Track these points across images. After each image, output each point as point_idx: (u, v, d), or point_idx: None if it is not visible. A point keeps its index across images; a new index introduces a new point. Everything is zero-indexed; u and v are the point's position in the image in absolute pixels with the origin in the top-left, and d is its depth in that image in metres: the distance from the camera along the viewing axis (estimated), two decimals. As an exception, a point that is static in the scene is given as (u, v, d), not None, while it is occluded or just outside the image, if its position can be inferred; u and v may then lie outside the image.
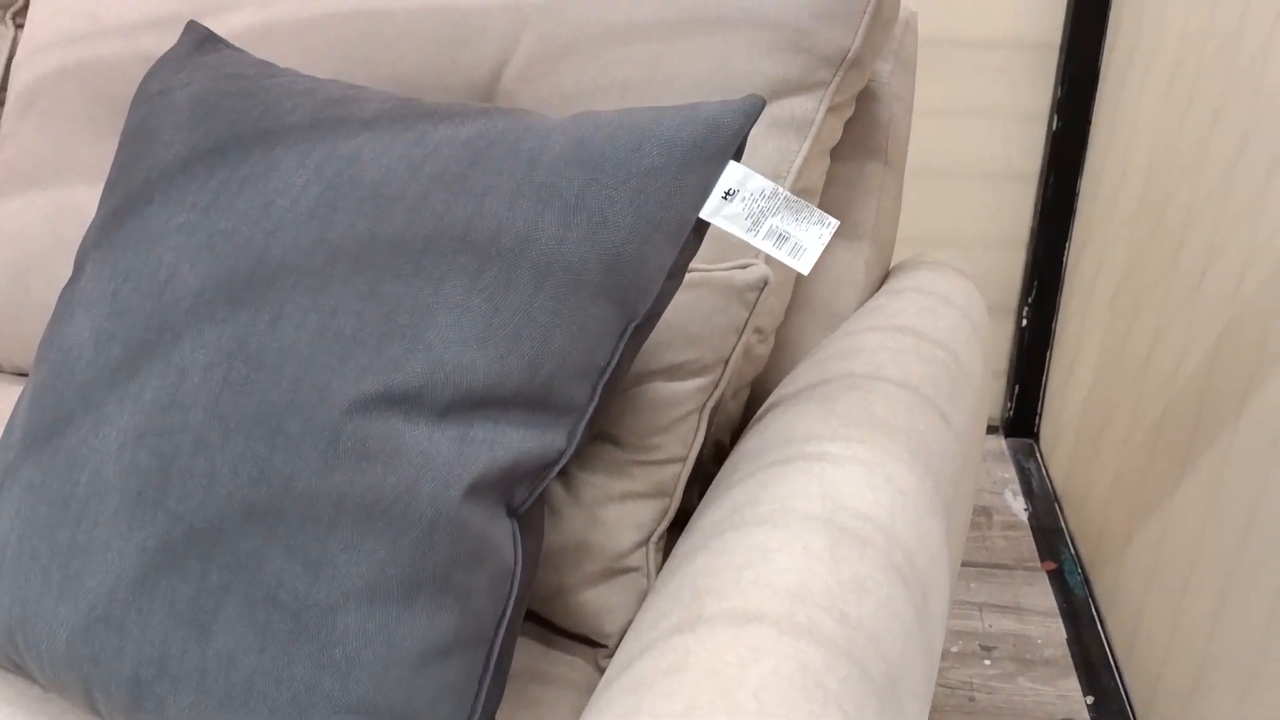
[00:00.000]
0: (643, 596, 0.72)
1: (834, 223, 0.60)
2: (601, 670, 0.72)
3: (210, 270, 0.60)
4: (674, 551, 0.69)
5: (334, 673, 0.53)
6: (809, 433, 0.68)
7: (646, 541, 0.72)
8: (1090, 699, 1.26)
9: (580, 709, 0.68)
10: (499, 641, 0.57)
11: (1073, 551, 1.50)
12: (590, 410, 0.59)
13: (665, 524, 0.73)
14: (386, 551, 0.54)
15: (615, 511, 0.72)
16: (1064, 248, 1.67)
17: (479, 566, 0.56)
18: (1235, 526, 1.00)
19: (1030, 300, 1.72)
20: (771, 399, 0.79)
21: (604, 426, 0.73)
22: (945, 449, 0.72)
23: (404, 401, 0.55)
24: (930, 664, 0.61)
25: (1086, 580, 1.43)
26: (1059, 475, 1.63)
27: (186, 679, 0.55)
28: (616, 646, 0.72)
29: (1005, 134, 1.67)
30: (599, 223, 0.57)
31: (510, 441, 0.56)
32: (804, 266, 0.61)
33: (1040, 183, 1.67)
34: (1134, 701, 1.23)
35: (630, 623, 0.72)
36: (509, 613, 0.58)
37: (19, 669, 0.64)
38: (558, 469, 0.59)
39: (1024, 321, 1.74)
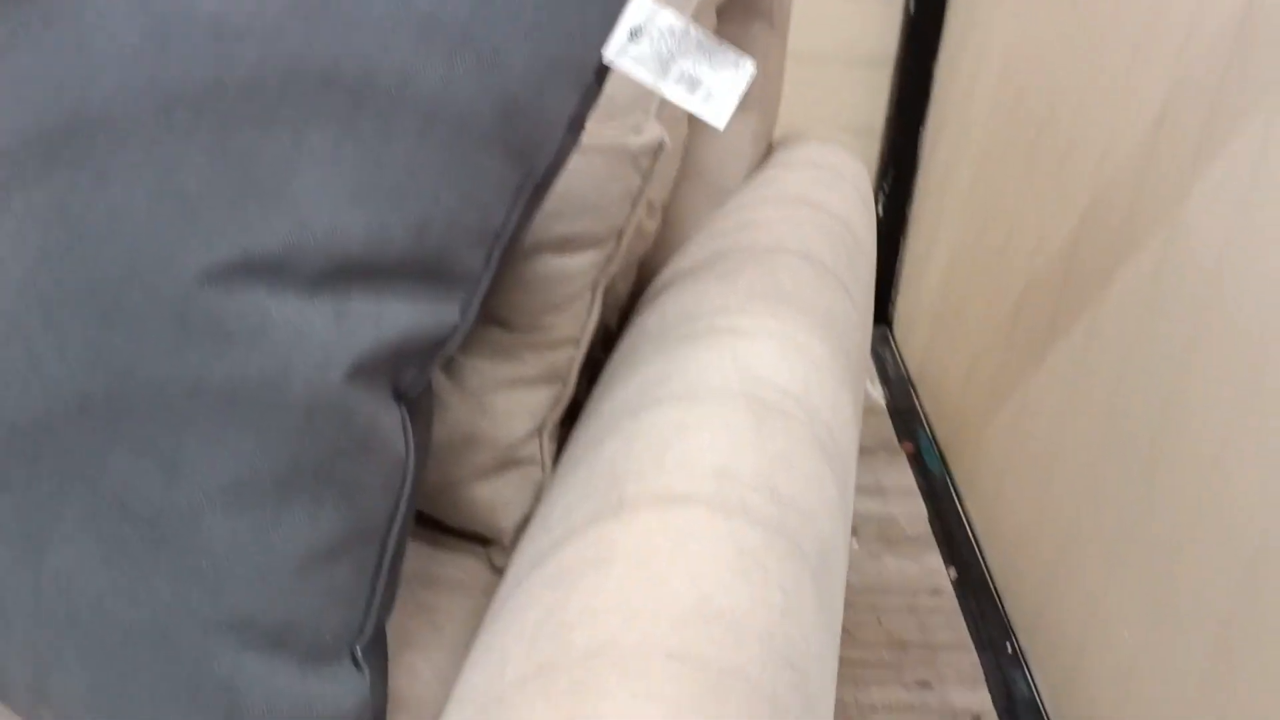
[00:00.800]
0: (538, 489, 0.66)
1: (750, 67, 0.54)
2: (497, 570, 0.66)
3: (15, 124, 0.50)
4: (573, 439, 0.64)
5: (201, 585, 0.45)
6: (715, 306, 0.63)
7: (540, 431, 0.67)
8: (953, 572, 1.30)
9: (476, 612, 0.63)
10: (391, 540, 0.51)
11: (929, 433, 1.53)
12: (485, 280, 0.52)
13: (559, 412, 0.67)
14: (256, 444, 0.46)
15: (505, 399, 0.65)
16: (919, 134, 1.67)
17: (366, 458, 0.49)
18: (1100, 401, 1.03)
19: (885, 188, 1.72)
20: (665, 276, 0.74)
21: (489, 307, 0.66)
22: (849, 321, 0.69)
23: (266, 270, 0.47)
24: (848, 538, 0.58)
25: (944, 460, 1.47)
26: (914, 361, 1.66)
27: (18, 605, 0.46)
28: (512, 544, 0.66)
29: (861, 17, 1.64)
30: (490, 62, 0.49)
31: (396, 316, 0.49)
32: (717, 117, 0.55)
33: (896, 68, 1.66)
34: (994, 572, 1.27)
35: (526, 518, 0.66)
36: (401, 508, 0.51)
37: None
38: (451, 347, 0.52)
39: (879, 209, 1.74)
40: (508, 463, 0.66)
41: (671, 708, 0.39)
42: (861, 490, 1.43)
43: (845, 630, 1.23)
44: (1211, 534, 0.82)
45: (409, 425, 0.52)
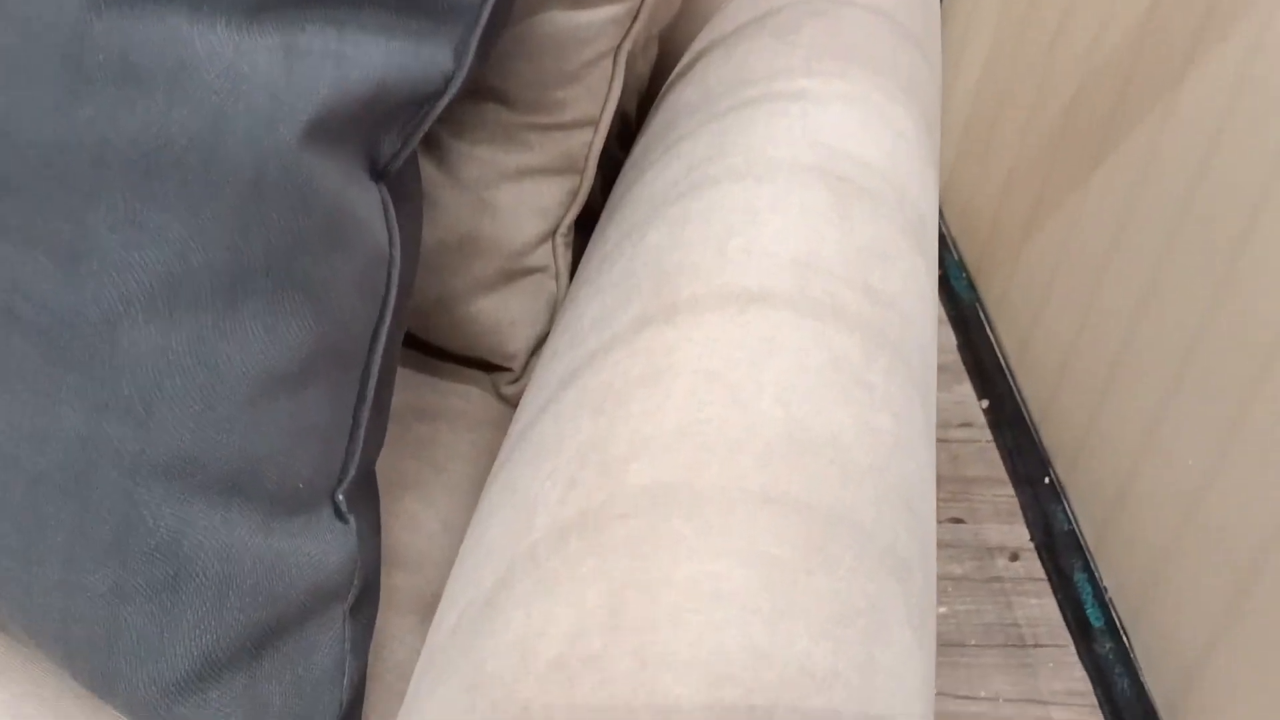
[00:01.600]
0: (553, 305, 0.55)
1: None
2: (506, 400, 0.56)
3: None
4: (595, 241, 0.52)
5: (123, 416, 0.34)
6: (773, 68, 0.50)
7: (553, 233, 0.54)
8: (985, 403, 1.21)
9: (484, 448, 0.52)
10: (377, 360, 0.40)
11: (957, 257, 1.42)
12: (486, 13, 0.39)
13: (575, 211, 0.55)
14: (185, 229, 0.34)
15: (510, 194, 0.53)
16: (952, -77, 1.49)
17: (337, 251, 0.37)
18: (1161, 223, 0.91)
19: (911, -12, 1.55)
20: (701, 42, 0.60)
21: (487, 79, 0.53)
22: (929, 87, 0.56)
23: (186, -9, 0.34)
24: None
25: (973, 286, 1.36)
26: (942, 175, 1.53)
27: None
28: (524, 370, 0.55)
29: None
30: None
31: (366, 56, 0.36)
32: None
33: None
34: (1030, 403, 1.18)
35: (539, 339, 0.55)
36: (388, 319, 0.40)
37: None
38: (444, 103, 0.39)
39: (903, 13, 1.57)
40: (515, 272, 0.54)
41: (769, 565, 0.29)
42: (886, 318, 1.33)
43: (871, 466, 1.15)
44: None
45: (392, 211, 0.40)
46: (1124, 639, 0.95)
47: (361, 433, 0.39)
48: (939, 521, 1.08)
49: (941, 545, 1.06)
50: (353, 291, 0.38)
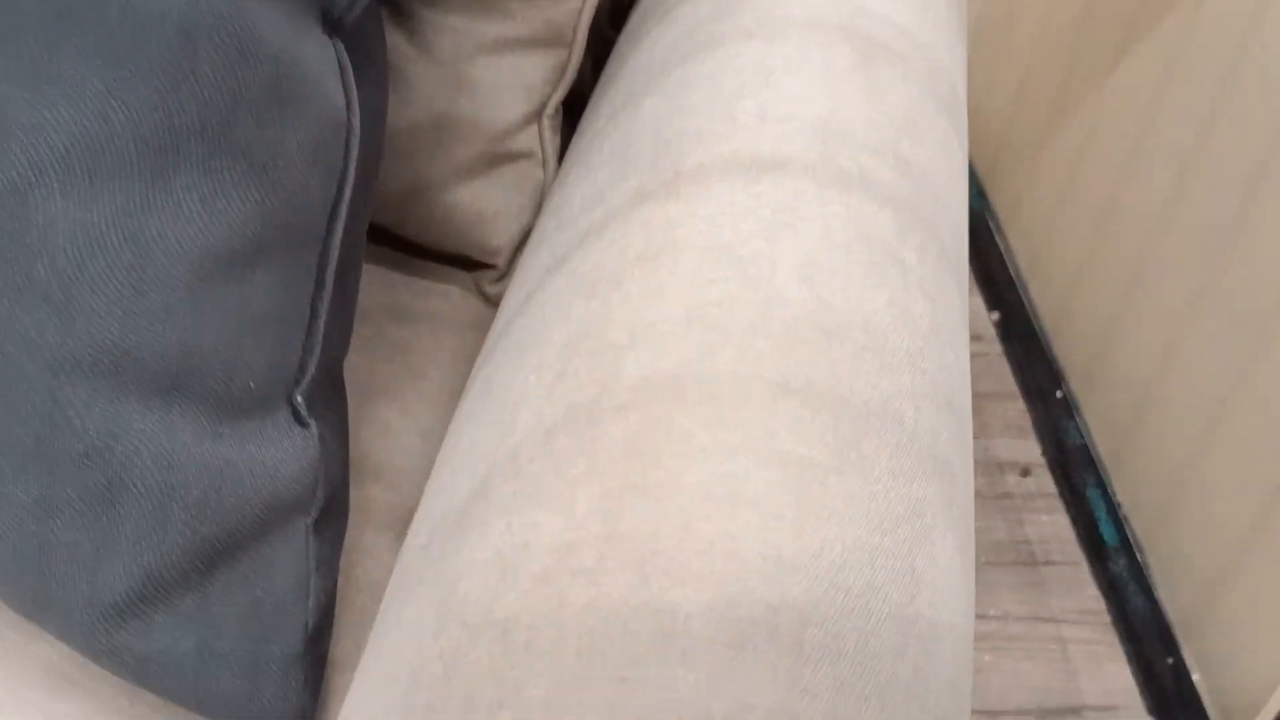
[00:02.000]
0: (539, 194, 0.50)
1: None
2: (490, 301, 0.51)
3: None
4: (589, 114, 0.46)
5: (40, 303, 0.29)
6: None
7: (539, 115, 0.49)
8: (995, 315, 1.16)
9: (466, 354, 0.48)
10: (336, 241, 0.35)
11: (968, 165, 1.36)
12: None
13: (563, 90, 0.50)
14: (104, 82, 0.29)
15: (489, 69, 0.48)
16: None
17: (285, 111, 0.32)
18: (1189, 122, 0.85)
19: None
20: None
21: (461, -64, 0.47)
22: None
23: None
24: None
25: (983, 194, 1.31)
26: (946, 87, 1.47)
27: None
28: (509, 266, 0.50)
29: None
30: None
31: (316, -119, 0.31)
32: None
33: None
34: (1042, 316, 1.14)
35: (525, 231, 0.50)
36: (347, 194, 0.35)
37: None
38: (407, -58, 0.34)
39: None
40: (498, 157, 0.49)
41: (794, 466, 0.24)
42: (892, 229, 1.27)
43: (877, 381, 1.11)
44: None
45: (350, 72, 0.35)
46: (1139, 556, 0.92)
47: (321, 325, 0.35)
48: (947, 438, 1.05)
49: (949, 462, 1.03)
50: (304, 163, 0.33)
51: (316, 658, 0.34)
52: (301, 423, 0.34)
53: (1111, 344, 1.00)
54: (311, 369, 0.35)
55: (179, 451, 0.31)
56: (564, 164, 0.46)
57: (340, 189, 0.34)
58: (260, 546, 0.33)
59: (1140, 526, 0.94)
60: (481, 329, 0.49)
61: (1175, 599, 0.89)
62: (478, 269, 0.51)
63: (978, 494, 1.00)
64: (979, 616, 0.92)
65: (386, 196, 0.49)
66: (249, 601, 0.33)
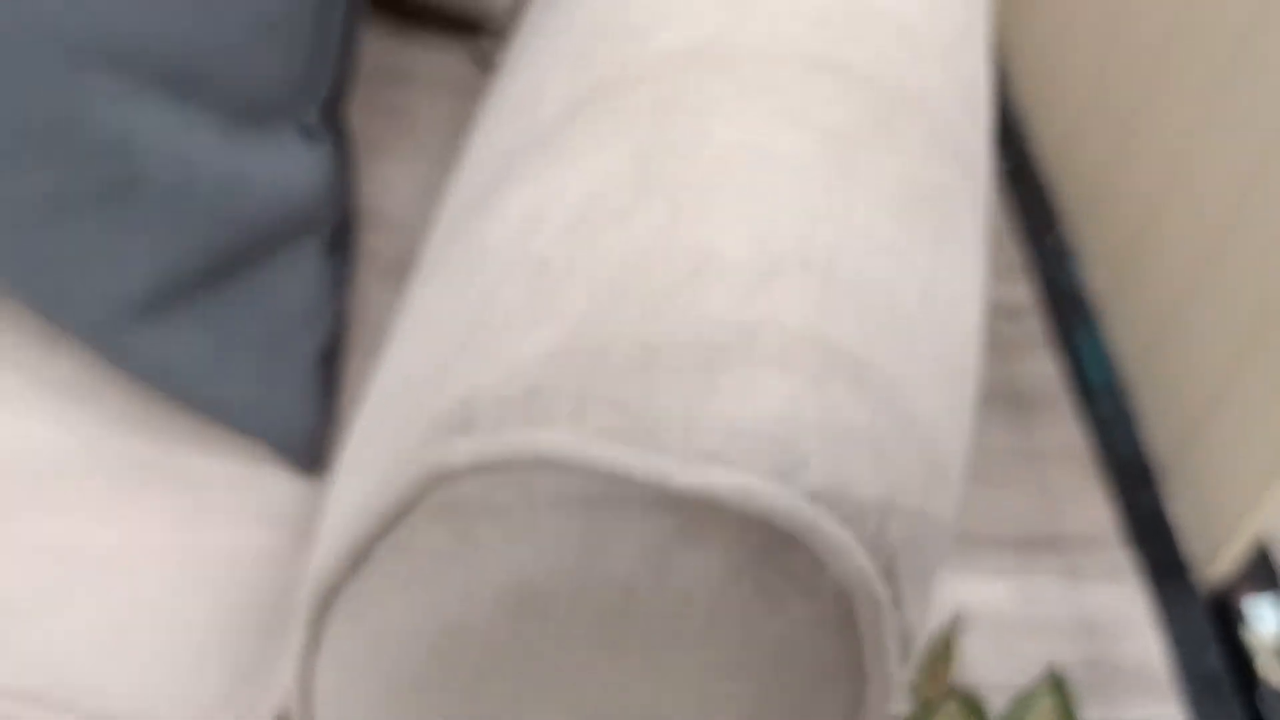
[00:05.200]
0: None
1: None
2: (487, 67, 0.49)
3: None
4: None
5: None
6: None
7: None
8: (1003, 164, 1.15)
9: (465, 119, 0.46)
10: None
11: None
12: None
13: None
14: None
15: None
16: None
17: None
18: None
19: None
20: None
21: None
22: None
23: None
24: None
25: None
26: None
27: None
28: (508, 31, 0.49)
29: None
30: None
31: None
32: None
33: None
34: (1042, 151, 1.13)
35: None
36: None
37: None
38: None
39: None
40: (502, -88, 0.47)
41: (827, 134, 0.23)
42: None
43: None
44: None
45: None
46: (1124, 398, 0.94)
47: (331, 49, 0.33)
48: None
49: (941, 303, 1.03)
50: None
51: (329, 377, 0.34)
52: (311, 142, 0.33)
53: (1109, 189, 1.00)
54: (322, 88, 0.33)
55: (195, 151, 0.30)
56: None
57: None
58: (274, 259, 0.33)
59: (1128, 369, 0.95)
60: (478, 95, 0.47)
61: (1159, 438, 0.90)
62: (476, 33, 0.49)
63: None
64: (963, 450, 0.93)
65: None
66: (264, 313, 0.32)
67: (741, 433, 0.19)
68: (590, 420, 0.19)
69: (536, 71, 0.29)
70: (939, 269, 0.23)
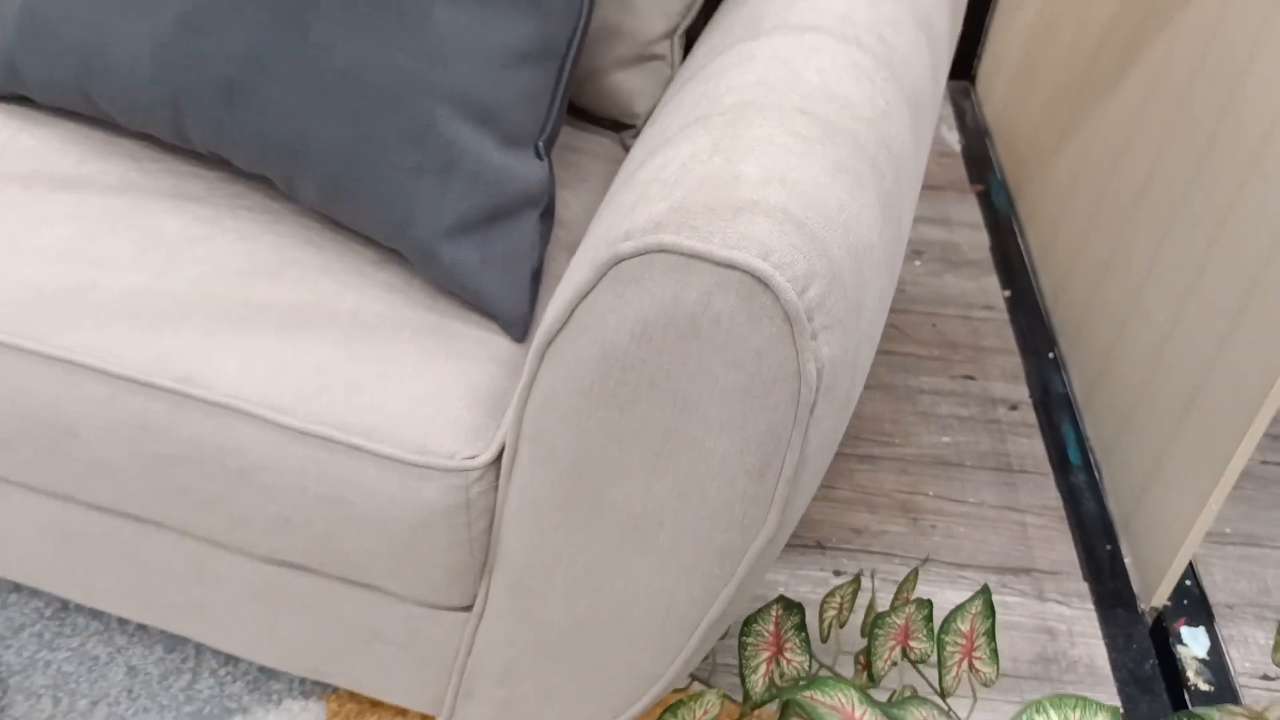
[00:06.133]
0: (666, 84, 0.78)
1: None
2: (628, 149, 0.79)
3: None
4: (701, 40, 0.74)
5: (431, 60, 0.58)
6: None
7: (673, 33, 0.77)
8: (1008, 292, 1.41)
9: (609, 174, 0.76)
10: (569, 62, 0.63)
11: (1000, 176, 1.62)
12: None
13: (690, 18, 0.78)
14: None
15: None
16: (1024, -113, 1.68)
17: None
18: (1156, 138, 1.11)
19: (983, -56, 1.74)
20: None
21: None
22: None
23: None
24: (935, 109, 0.69)
25: (1010, 200, 1.56)
26: (992, 112, 1.73)
27: (284, 71, 0.59)
28: (642, 127, 0.78)
29: None
30: None
31: None
32: None
33: None
34: (1045, 293, 1.38)
35: (654, 107, 0.78)
36: (577, 36, 0.63)
37: (89, 101, 0.67)
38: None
39: (974, -33, 1.77)
40: (643, 57, 0.77)
41: (800, 138, 0.51)
42: (928, 220, 1.53)
43: (900, 330, 1.37)
44: (1247, 211, 0.92)
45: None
46: (1095, 472, 1.16)
47: (556, 106, 0.63)
48: (952, 377, 1.30)
49: (952, 394, 1.27)
50: (560, 11, 0.61)
51: (535, 288, 0.62)
52: (539, 158, 0.62)
53: (1091, 313, 1.25)
54: (548, 130, 0.63)
55: (484, 156, 0.59)
56: (678, 74, 0.74)
57: (575, 30, 0.62)
58: (514, 219, 0.61)
59: (1098, 450, 1.18)
60: (619, 164, 0.77)
61: (1118, 503, 1.12)
62: (622, 130, 0.79)
63: (973, 419, 1.25)
64: (960, 502, 1.16)
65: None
66: (508, 245, 0.61)
67: (747, 238, 0.46)
68: (682, 233, 0.46)
69: (664, 119, 0.57)
70: (848, 203, 0.50)
